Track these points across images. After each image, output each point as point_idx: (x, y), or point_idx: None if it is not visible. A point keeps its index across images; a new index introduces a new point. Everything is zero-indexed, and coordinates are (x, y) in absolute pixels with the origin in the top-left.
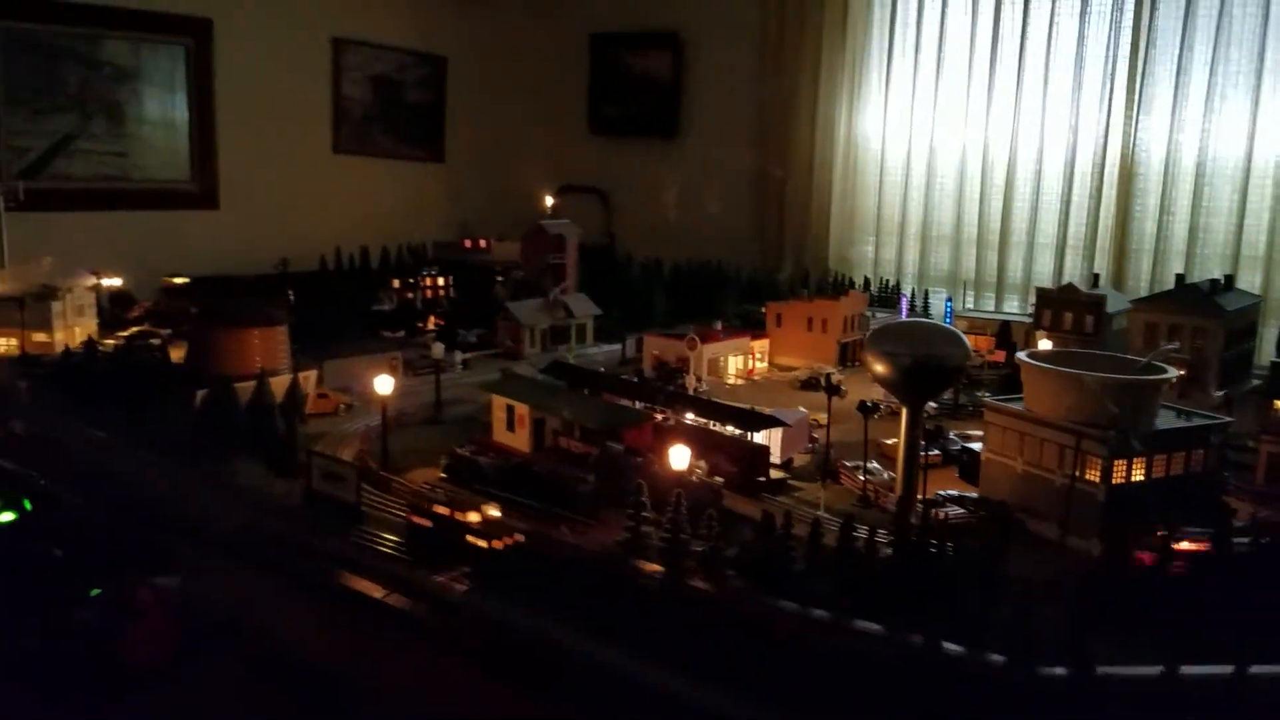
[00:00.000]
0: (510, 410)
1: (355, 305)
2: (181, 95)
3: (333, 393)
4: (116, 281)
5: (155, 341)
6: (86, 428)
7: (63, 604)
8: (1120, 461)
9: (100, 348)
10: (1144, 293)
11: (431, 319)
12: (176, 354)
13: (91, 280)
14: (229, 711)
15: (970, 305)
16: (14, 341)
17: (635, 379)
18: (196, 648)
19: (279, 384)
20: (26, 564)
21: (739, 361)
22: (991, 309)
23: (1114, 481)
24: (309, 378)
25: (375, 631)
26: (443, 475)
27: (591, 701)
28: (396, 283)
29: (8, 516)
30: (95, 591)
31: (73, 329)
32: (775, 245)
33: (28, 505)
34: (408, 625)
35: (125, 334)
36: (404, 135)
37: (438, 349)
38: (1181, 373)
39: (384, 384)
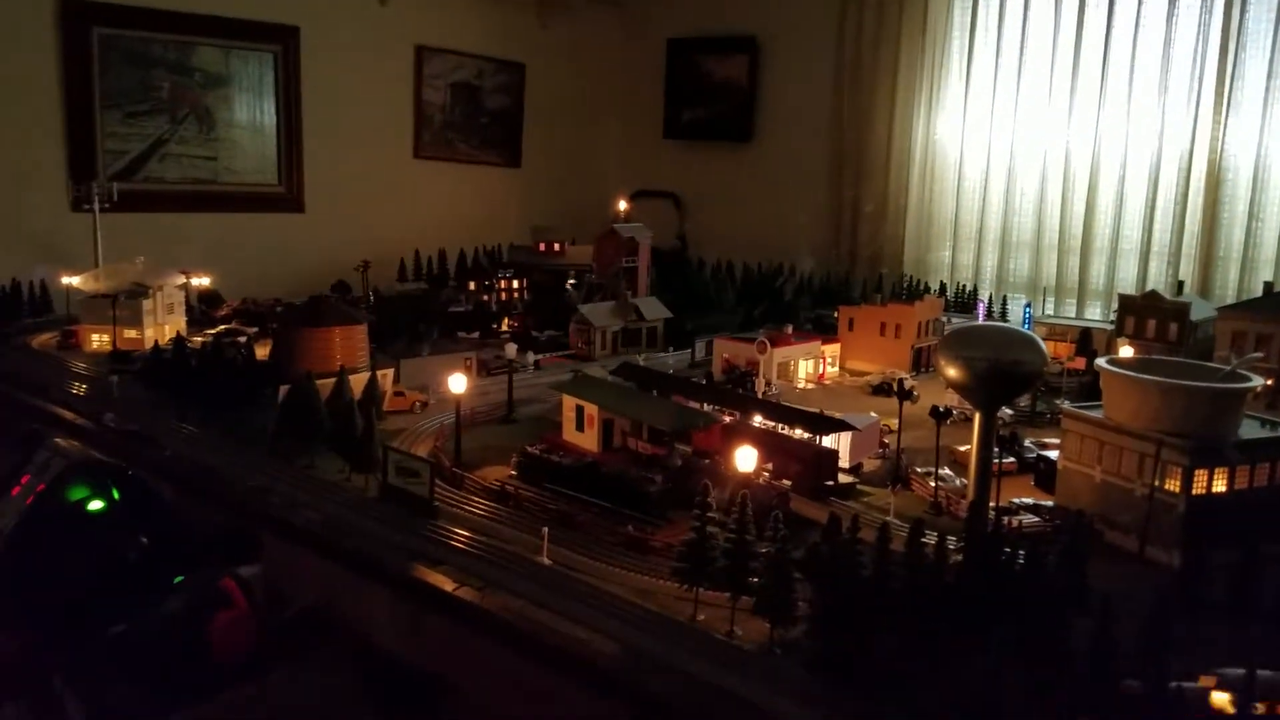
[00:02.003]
0: (580, 410)
1: (432, 306)
2: (270, 101)
3: (409, 390)
4: (205, 281)
5: (241, 339)
6: (175, 421)
7: (151, 592)
8: (1201, 471)
9: (189, 345)
10: (1231, 301)
11: (506, 321)
12: (262, 352)
13: (181, 279)
14: (313, 701)
15: (1050, 311)
16: (106, 337)
17: (704, 381)
18: (279, 638)
19: (358, 381)
20: (115, 551)
21: (810, 365)
22: (1072, 315)
23: (1194, 492)
24: (386, 375)
25: (445, 623)
26: (513, 473)
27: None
28: (472, 285)
29: (97, 505)
30: (179, 579)
31: (163, 326)
32: (850, 250)
33: (116, 494)
34: (477, 618)
35: (213, 331)
36: (482, 141)
37: (511, 349)
38: (1269, 382)
39: (458, 383)
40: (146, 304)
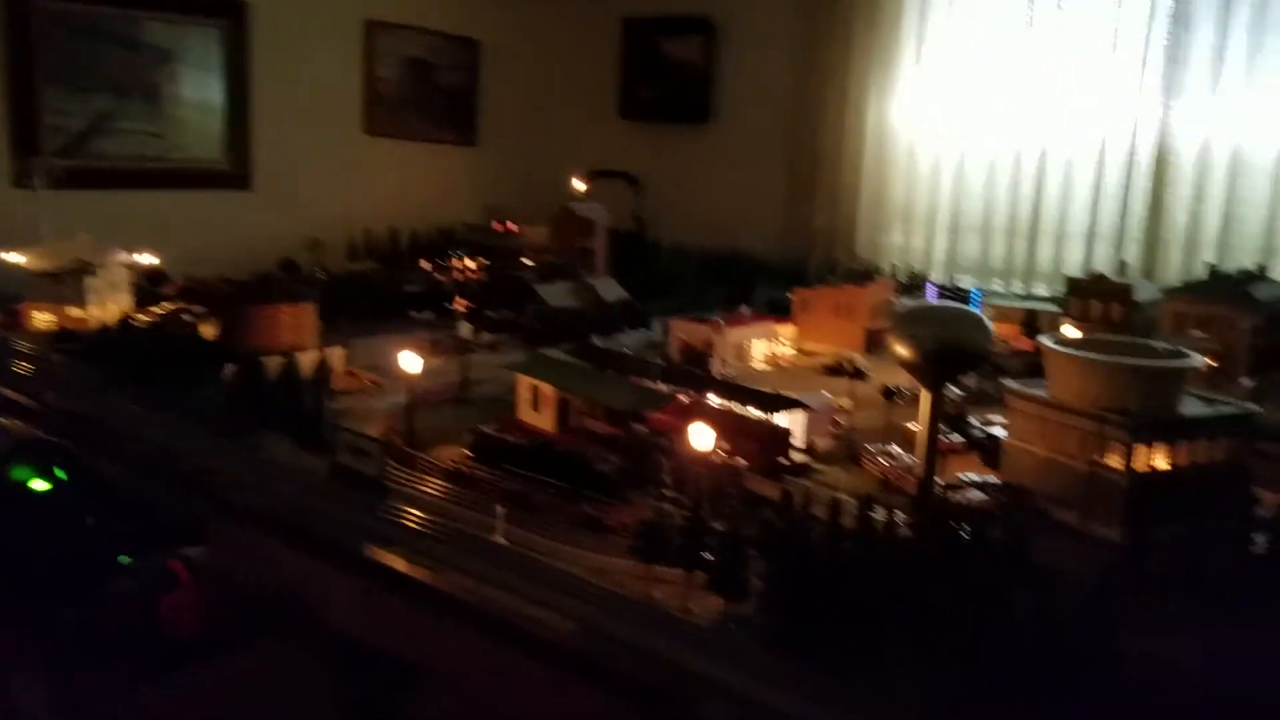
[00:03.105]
0: (536, 390)
1: (385, 286)
2: (216, 77)
3: (360, 370)
4: (152, 259)
5: (188, 318)
6: (120, 400)
7: (97, 572)
8: (1142, 447)
9: (135, 323)
10: (1175, 282)
11: (460, 300)
12: (209, 331)
13: (126, 257)
14: (270, 681)
15: (999, 292)
16: (50, 316)
17: (660, 362)
18: (232, 619)
19: (307, 360)
20: (60, 532)
21: (764, 346)
22: (1020, 297)
23: (1136, 468)
24: (337, 355)
25: (399, 603)
26: (468, 453)
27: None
28: (425, 264)
29: (42, 486)
30: (125, 560)
31: (108, 305)
32: (805, 232)
33: (61, 475)
34: (431, 597)
35: (159, 310)
36: (436, 118)
37: (465, 329)
38: (1211, 362)
39: (411, 362)
40: (91, 282)
